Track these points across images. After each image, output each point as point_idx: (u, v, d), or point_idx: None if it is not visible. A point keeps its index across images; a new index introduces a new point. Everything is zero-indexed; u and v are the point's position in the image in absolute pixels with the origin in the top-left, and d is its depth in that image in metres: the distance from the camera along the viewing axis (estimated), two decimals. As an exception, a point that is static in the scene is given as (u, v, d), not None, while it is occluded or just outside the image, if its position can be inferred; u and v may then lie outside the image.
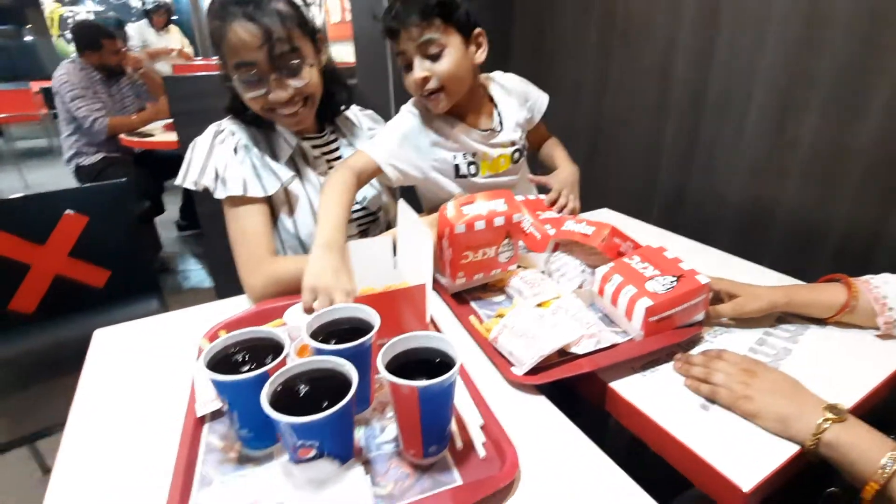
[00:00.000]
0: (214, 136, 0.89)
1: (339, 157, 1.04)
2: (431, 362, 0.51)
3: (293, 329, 0.72)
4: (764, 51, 1.21)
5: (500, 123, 1.09)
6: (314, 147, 0.99)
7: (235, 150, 0.88)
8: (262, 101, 0.86)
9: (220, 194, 0.86)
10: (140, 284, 1.43)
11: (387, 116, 1.16)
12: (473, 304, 0.84)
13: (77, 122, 2.45)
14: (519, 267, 0.89)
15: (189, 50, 4.60)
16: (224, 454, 0.54)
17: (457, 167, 1.06)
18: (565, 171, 1.15)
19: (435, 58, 0.92)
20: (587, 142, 1.81)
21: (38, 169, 4.89)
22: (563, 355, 0.68)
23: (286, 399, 0.45)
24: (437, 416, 0.50)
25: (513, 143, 1.10)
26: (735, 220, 1.35)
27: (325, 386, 0.47)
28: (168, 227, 3.17)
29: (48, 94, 4.75)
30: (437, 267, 0.81)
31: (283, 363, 0.50)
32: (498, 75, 1.15)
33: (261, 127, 0.93)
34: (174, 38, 4.41)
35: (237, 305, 0.85)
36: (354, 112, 1.11)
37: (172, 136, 2.36)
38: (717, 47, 1.32)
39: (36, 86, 5.10)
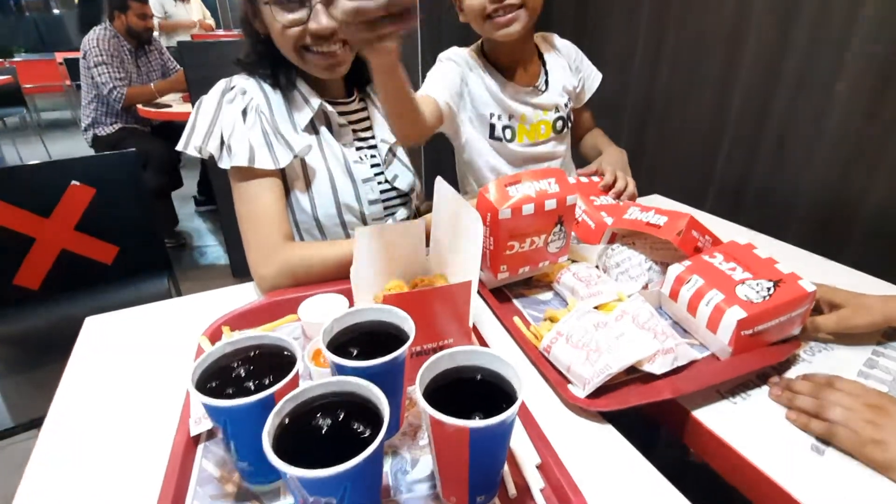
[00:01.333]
0: (222, 94, 0.76)
1: (369, 130, 0.90)
2: (482, 388, 0.40)
3: (308, 326, 0.61)
4: (857, 15, 1.03)
5: (546, 83, 1.02)
6: (340, 114, 0.85)
7: (245, 113, 0.75)
8: (298, 33, 0.73)
9: (224, 163, 0.75)
10: (150, 262, 1.34)
11: (414, 70, 1.05)
12: (517, 303, 0.72)
13: (97, 89, 2.38)
14: (569, 260, 0.76)
15: (210, 21, 4.49)
16: (220, 486, 0.43)
17: (492, 126, 0.99)
18: (614, 154, 1.03)
19: None
20: (636, 119, 1.64)
21: (62, 140, 4.89)
22: (631, 372, 0.56)
23: (296, 436, 0.34)
24: (489, 460, 0.38)
25: (556, 109, 1.01)
26: (809, 213, 1.18)
27: (346, 417, 0.36)
28: (185, 201, 3.11)
29: (71, 66, 4.72)
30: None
31: (293, 383, 0.39)
32: (552, 35, 1.07)
33: (278, 85, 0.81)
34: (195, 9, 4.30)
35: (245, 295, 0.75)
36: None
37: (190, 108, 2.28)
38: (799, 11, 1.14)
39: (60, 56, 5.06)
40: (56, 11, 8.59)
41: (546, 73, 1.02)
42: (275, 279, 0.72)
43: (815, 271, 0.73)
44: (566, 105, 1.03)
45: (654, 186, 1.22)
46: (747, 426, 0.51)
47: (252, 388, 0.39)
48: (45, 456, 0.48)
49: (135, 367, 0.60)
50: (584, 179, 0.91)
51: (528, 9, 0.87)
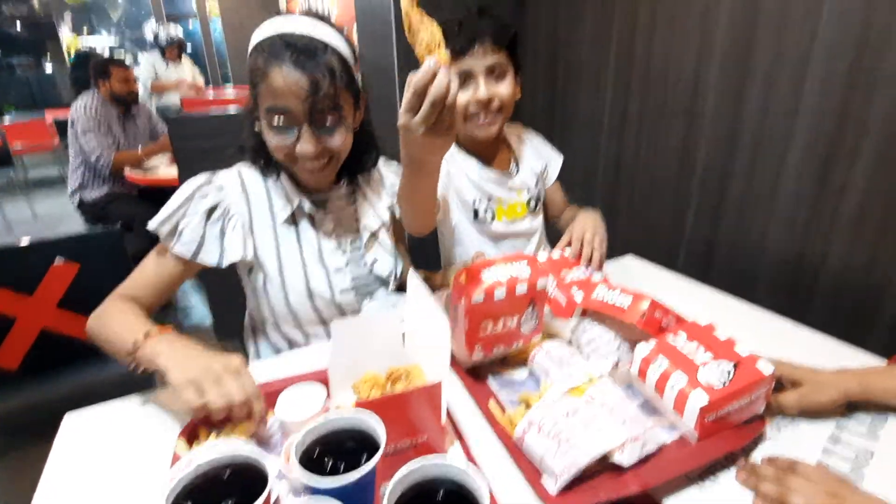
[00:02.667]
0: (198, 188, 0.81)
1: (353, 215, 0.93)
2: (451, 500, 0.41)
3: (286, 425, 0.62)
4: (805, 90, 1.12)
5: (517, 167, 1.12)
6: (321, 203, 0.89)
7: (212, 209, 0.80)
8: (286, 150, 0.78)
9: (165, 240, 0.79)
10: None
11: (393, 107, 1.11)
12: (492, 383, 0.74)
13: (84, 155, 2.42)
14: (543, 336, 0.79)
15: (200, 80, 4.64)
16: None
17: (476, 211, 1.07)
18: (585, 220, 1.07)
19: (499, 79, 0.96)
20: (606, 183, 1.72)
21: (48, 199, 4.90)
22: (602, 460, 0.57)
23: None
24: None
25: (528, 190, 1.11)
26: (773, 274, 1.24)
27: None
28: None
29: (60, 126, 4.81)
30: (451, 338, 0.72)
31: (265, 506, 0.40)
32: (518, 125, 1.18)
33: (269, 173, 0.86)
34: (185, 69, 4.45)
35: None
36: (378, 166, 0.99)
37: (176, 172, 2.32)
38: (750, 86, 1.24)
39: (50, 116, 5.16)
40: (48, 69, 8.81)
41: (516, 160, 1.12)
42: (91, 319, 0.79)
43: (779, 335, 0.77)
44: (536, 185, 1.13)
45: (629, 246, 1.26)
46: (715, 513, 0.52)
47: (224, 511, 0.40)
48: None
49: (113, 468, 0.60)
50: (557, 254, 0.95)
51: (505, 112, 0.99)
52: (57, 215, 4.39)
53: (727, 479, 0.57)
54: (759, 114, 1.23)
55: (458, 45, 0.92)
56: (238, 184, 0.85)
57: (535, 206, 1.13)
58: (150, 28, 4.25)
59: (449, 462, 0.42)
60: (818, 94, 1.10)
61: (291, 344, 0.91)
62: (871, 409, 0.66)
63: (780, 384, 0.66)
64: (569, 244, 0.96)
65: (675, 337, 0.67)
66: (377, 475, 0.46)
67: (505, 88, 0.96)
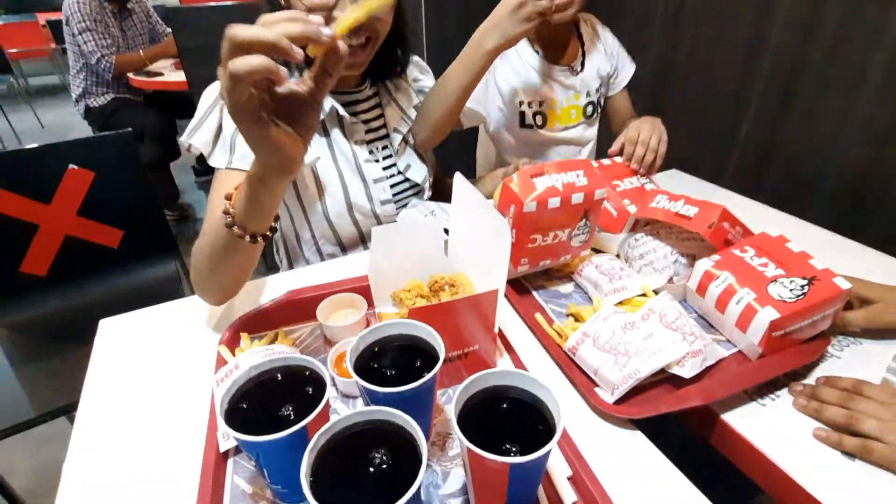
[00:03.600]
0: None
1: (381, 119, 0.86)
2: (518, 411, 0.39)
3: (329, 330, 0.60)
4: None
5: (582, 65, 1.03)
6: (349, 105, 0.82)
7: None
8: (324, 15, 0.67)
9: (218, 161, 0.71)
10: (156, 243, 1.32)
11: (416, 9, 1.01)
12: (537, 296, 0.71)
13: (84, 58, 2.28)
14: (590, 250, 0.74)
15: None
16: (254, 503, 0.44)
17: (522, 114, 1.00)
18: (643, 123, 0.97)
19: None
20: (654, 85, 1.56)
21: (53, 108, 4.77)
22: (659, 373, 0.55)
23: (332, 472, 0.33)
24: (526, 489, 0.38)
25: (588, 94, 1.03)
26: (837, 190, 1.14)
27: (381, 448, 0.35)
28: (185, 171, 3.05)
29: (55, 28, 4.52)
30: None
31: (324, 412, 0.38)
32: (593, 18, 1.07)
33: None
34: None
35: (255, 292, 0.73)
36: None
37: (183, 76, 2.19)
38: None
39: (42, 18, 4.83)
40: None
41: (583, 55, 1.02)
42: (199, 291, 0.64)
43: (842, 256, 0.71)
44: (597, 90, 1.03)
45: (673, 159, 1.17)
46: (776, 429, 0.51)
47: (282, 416, 0.38)
48: (74, 474, 0.48)
49: (154, 373, 0.59)
50: (607, 161, 0.87)
51: None
52: (65, 124, 4.29)
53: (788, 398, 0.54)
54: (841, 13, 1.06)
55: None
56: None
57: (593, 112, 1.04)
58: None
59: (517, 371, 0.40)
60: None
61: (344, 248, 0.86)
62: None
63: (848, 303, 0.62)
64: (621, 151, 0.88)
65: (743, 251, 0.61)
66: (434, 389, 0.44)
67: None
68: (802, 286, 0.56)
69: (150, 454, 0.49)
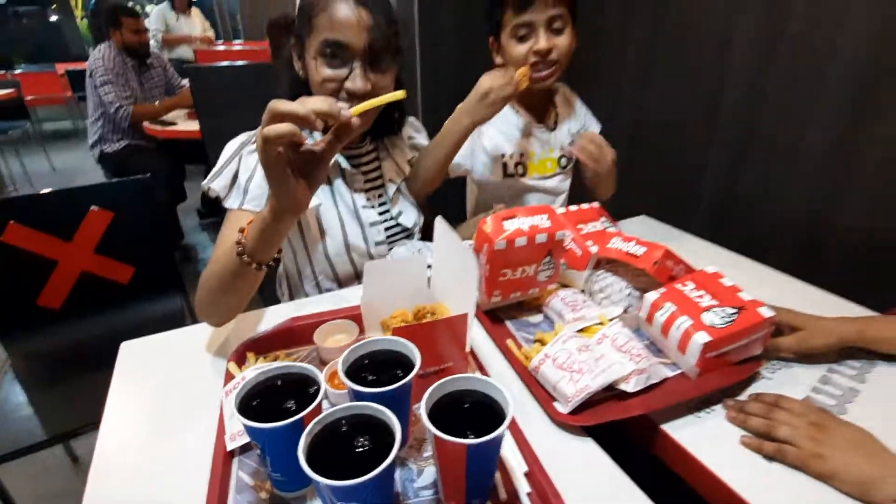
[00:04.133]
0: (242, 145, 0.85)
1: (377, 170, 0.98)
2: (478, 409, 0.47)
3: (323, 351, 0.69)
4: (840, 45, 1.10)
5: (555, 124, 1.18)
6: (352, 158, 0.94)
7: None
8: (335, 86, 0.79)
9: (232, 203, 0.82)
10: (164, 281, 1.41)
11: (411, 64, 1.19)
12: (509, 325, 0.80)
13: (104, 107, 2.45)
14: (558, 285, 0.84)
15: (210, 33, 4.57)
16: (255, 493, 0.51)
17: (504, 165, 1.14)
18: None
19: (558, 32, 0.98)
20: (625, 141, 1.72)
21: (65, 151, 4.95)
22: (609, 389, 0.63)
23: (324, 452, 0.41)
24: (483, 470, 0.46)
25: (561, 148, 1.17)
26: (789, 236, 1.26)
27: (364, 435, 0.43)
28: (189, 213, 3.18)
29: (73, 77, 4.80)
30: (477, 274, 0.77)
31: (319, 407, 0.46)
32: (566, 88, 1.23)
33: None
34: (196, 22, 4.39)
35: (258, 319, 0.82)
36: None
37: (195, 125, 2.35)
38: (783, 41, 1.21)
39: (61, 68, 5.14)
40: (53, 18, 8.64)
41: (556, 116, 1.17)
42: (202, 315, 0.74)
43: (792, 295, 0.81)
44: (570, 145, 1.17)
45: (644, 207, 1.29)
46: (711, 440, 0.58)
47: (284, 410, 0.47)
48: (100, 470, 0.55)
49: (170, 388, 0.68)
50: (572, 208, 0.99)
51: (561, 65, 1.01)
52: (75, 168, 4.46)
53: (722, 411, 0.62)
54: (788, 74, 1.22)
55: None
56: None
57: (567, 164, 1.19)
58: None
59: (478, 376, 0.48)
60: (850, 53, 1.09)
61: (340, 283, 0.96)
62: (864, 357, 0.71)
63: (779, 331, 0.71)
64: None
65: (683, 285, 0.71)
66: (412, 395, 0.52)
67: (564, 40, 0.98)
68: (731, 314, 0.65)
69: (167, 453, 0.57)
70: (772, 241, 1.30)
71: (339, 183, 0.92)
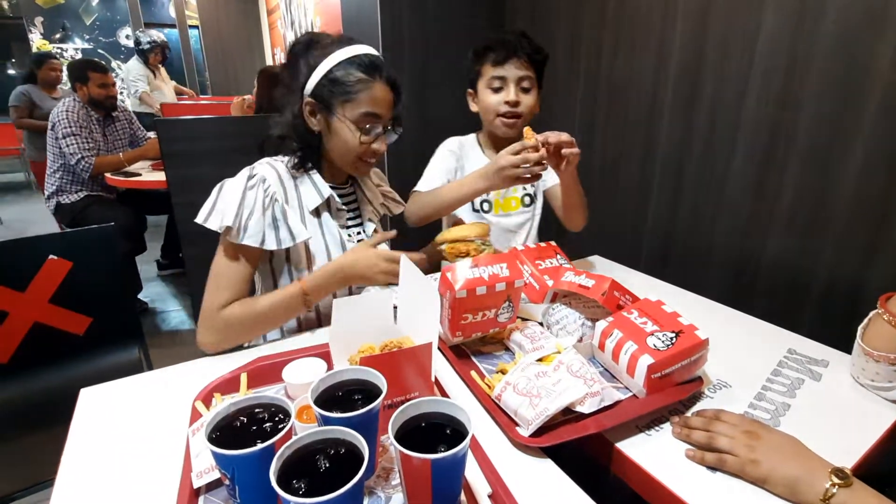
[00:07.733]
0: (247, 180, 0.89)
1: (357, 208, 1.08)
2: (441, 430, 0.50)
3: (292, 388, 0.70)
4: (744, 106, 1.28)
5: None
6: (341, 197, 1.02)
7: (264, 202, 0.88)
8: (365, 148, 0.94)
9: (234, 238, 0.86)
10: (121, 331, 1.37)
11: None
12: (474, 359, 0.83)
13: (64, 159, 2.42)
14: (518, 318, 0.89)
15: (186, 89, 4.63)
16: (221, 530, 0.51)
17: (472, 202, 1.25)
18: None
19: (526, 91, 1.15)
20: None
21: (14, 204, 4.77)
22: (567, 413, 0.67)
23: (294, 475, 0.43)
24: (448, 487, 0.48)
25: (524, 187, 1.30)
26: (721, 268, 1.39)
27: (333, 458, 0.45)
28: (148, 264, 3.10)
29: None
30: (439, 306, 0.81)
31: (289, 433, 0.48)
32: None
33: (298, 168, 0.96)
34: (166, 78, 4.45)
35: (225, 363, 0.82)
36: None
37: (160, 176, 2.35)
38: (699, 100, 1.40)
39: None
40: (11, 72, 8.53)
41: None
42: (217, 344, 0.85)
43: (725, 321, 0.89)
44: (532, 185, 1.29)
45: (596, 248, 1.39)
46: (660, 454, 0.63)
47: (253, 439, 0.48)
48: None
49: (133, 432, 0.67)
50: (530, 244, 1.05)
51: (525, 119, 1.17)
52: (25, 220, 4.29)
53: (670, 428, 0.67)
54: (707, 127, 1.39)
55: (500, 56, 1.13)
56: (275, 176, 0.93)
57: (530, 202, 1.31)
58: (126, 33, 4.23)
59: (440, 399, 0.52)
60: (754, 110, 1.27)
61: (301, 326, 0.99)
62: (794, 374, 0.79)
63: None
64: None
65: (629, 313, 0.78)
66: (379, 424, 0.54)
67: (530, 99, 1.16)
68: (671, 338, 0.71)
69: (131, 495, 0.56)
70: (705, 275, 1.43)
71: (326, 217, 0.99)
